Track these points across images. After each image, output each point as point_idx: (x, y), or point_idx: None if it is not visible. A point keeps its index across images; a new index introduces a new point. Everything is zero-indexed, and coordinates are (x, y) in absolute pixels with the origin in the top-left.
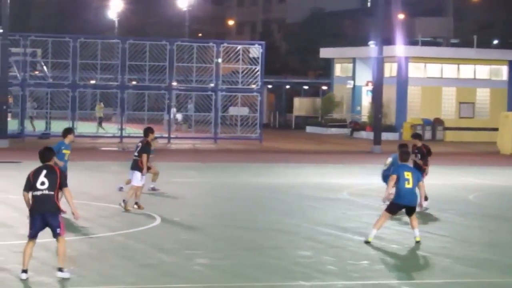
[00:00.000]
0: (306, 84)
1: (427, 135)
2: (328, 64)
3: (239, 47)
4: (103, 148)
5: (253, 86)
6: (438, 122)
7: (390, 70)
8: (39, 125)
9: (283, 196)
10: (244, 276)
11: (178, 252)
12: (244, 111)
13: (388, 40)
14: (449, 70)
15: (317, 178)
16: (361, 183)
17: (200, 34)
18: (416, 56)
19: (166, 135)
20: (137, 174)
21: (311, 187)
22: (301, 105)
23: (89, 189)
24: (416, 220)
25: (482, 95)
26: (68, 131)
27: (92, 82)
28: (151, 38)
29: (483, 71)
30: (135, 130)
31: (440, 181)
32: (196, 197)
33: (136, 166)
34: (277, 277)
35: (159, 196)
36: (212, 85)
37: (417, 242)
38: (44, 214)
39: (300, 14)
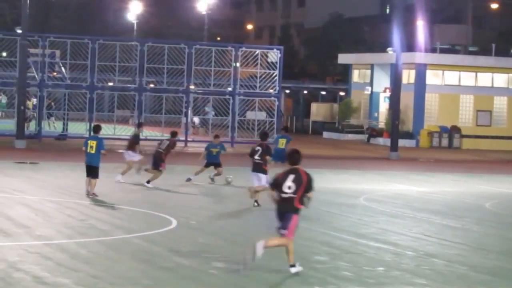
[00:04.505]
0: (324, 89)
1: (444, 142)
2: (346, 70)
3: (258, 51)
4: (120, 150)
5: (271, 90)
6: (455, 129)
7: (408, 76)
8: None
9: None
10: (261, 280)
11: (195, 256)
12: (262, 115)
13: (406, 47)
14: (467, 78)
15: (334, 184)
16: (378, 189)
17: (218, 38)
18: (434, 63)
19: (183, 138)
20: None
21: (328, 192)
22: (318, 110)
23: (108, 191)
24: None
25: (500, 103)
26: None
27: (110, 84)
28: (169, 41)
29: (501, 79)
30: (152, 133)
31: (456, 189)
32: (213, 200)
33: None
34: (293, 282)
35: (175, 199)
36: (230, 89)
37: None
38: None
39: (319, 19)
